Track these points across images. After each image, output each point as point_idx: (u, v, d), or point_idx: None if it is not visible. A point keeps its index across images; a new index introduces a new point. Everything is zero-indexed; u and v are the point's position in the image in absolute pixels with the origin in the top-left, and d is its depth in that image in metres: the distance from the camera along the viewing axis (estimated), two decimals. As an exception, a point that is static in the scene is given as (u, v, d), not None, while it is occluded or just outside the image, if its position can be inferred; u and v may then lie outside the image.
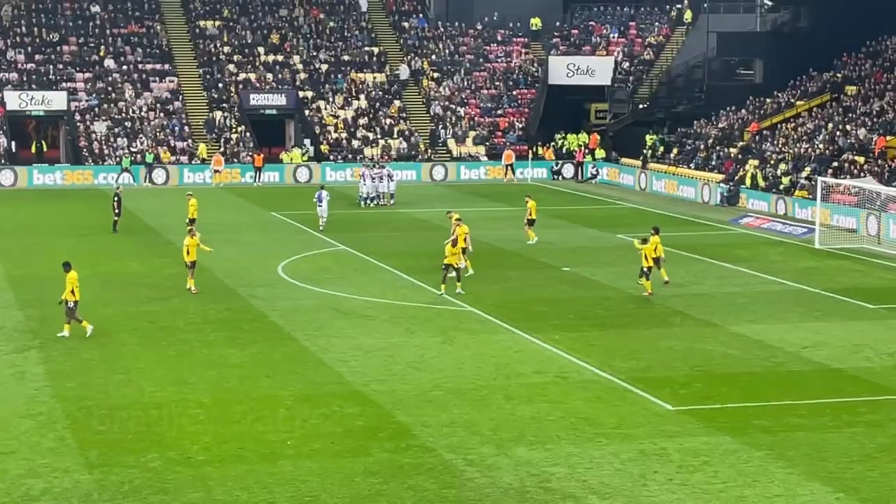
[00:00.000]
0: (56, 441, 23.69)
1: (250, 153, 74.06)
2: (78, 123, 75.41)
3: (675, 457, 23.24)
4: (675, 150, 73.83)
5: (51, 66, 78.50)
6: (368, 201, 62.57)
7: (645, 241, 39.34)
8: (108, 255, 46.01)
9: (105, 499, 20.67)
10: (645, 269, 39.03)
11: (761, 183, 62.13)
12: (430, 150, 77.73)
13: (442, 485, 21.63)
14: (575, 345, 32.15)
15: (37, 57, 79.14)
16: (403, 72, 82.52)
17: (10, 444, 23.34)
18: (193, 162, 73.61)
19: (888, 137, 60.77)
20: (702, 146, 72.19)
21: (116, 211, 51.66)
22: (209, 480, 21.50)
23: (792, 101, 71.35)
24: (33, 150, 74.82)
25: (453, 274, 38.73)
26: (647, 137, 75.96)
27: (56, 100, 75.18)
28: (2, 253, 46.28)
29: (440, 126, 79.93)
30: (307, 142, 76.85)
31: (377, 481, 21.69)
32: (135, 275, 41.96)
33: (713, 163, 69.70)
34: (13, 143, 73.36)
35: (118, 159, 72.17)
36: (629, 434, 24.66)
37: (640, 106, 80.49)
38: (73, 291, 32.08)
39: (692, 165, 70.93)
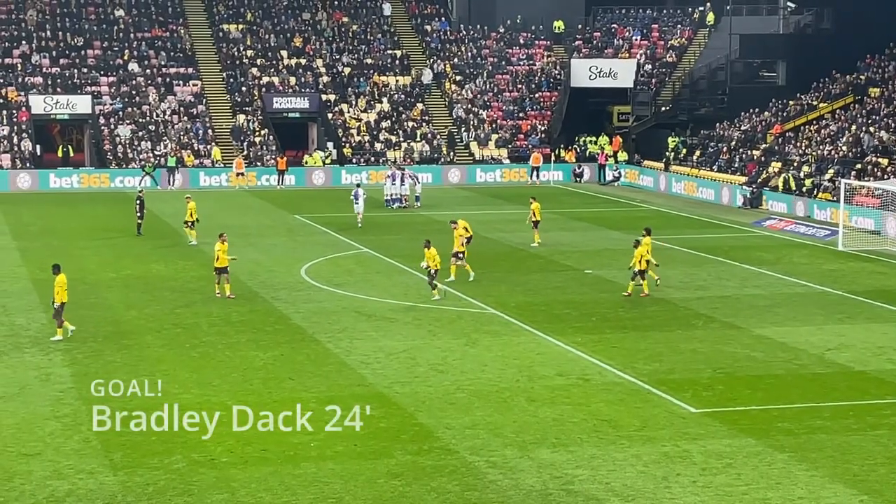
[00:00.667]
0: (81, 443, 23.81)
1: (273, 156, 74.26)
2: (102, 127, 75.73)
3: (699, 459, 23.22)
4: (697, 153, 73.72)
5: (75, 70, 78.86)
6: (393, 203, 62.63)
7: (637, 243, 39.15)
8: (132, 257, 46.19)
9: (129, 500, 20.79)
10: (636, 272, 38.77)
11: (793, 186, 61.63)
12: (451, 153, 77.78)
13: (464, 487, 21.67)
14: (597, 347, 32.14)
15: (61, 61, 79.51)
16: (427, 76, 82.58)
17: (36, 446, 23.49)
18: (205, 165, 73.76)
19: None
20: (724, 149, 72.06)
21: (139, 213, 51.86)
22: (233, 482, 21.59)
23: (815, 103, 71.14)
24: (59, 153, 75.11)
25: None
26: (670, 140, 75.87)
27: (80, 104, 75.55)
28: (26, 255, 46.53)
29: (462, 129, 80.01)
30: (330, 145, 77.02)
31: (400, 483, 21.74)
32: (158, 277, 42.11)
33: (736, 165, 69.57)
34: (38, 147, 73.73)
35: (142, 164, 72.38)
36: (652, 436, 24.65)
37: (663, 108, 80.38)
38: (59, 294, 32.09)
39: (715, 168, 70.82)
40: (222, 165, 73.62)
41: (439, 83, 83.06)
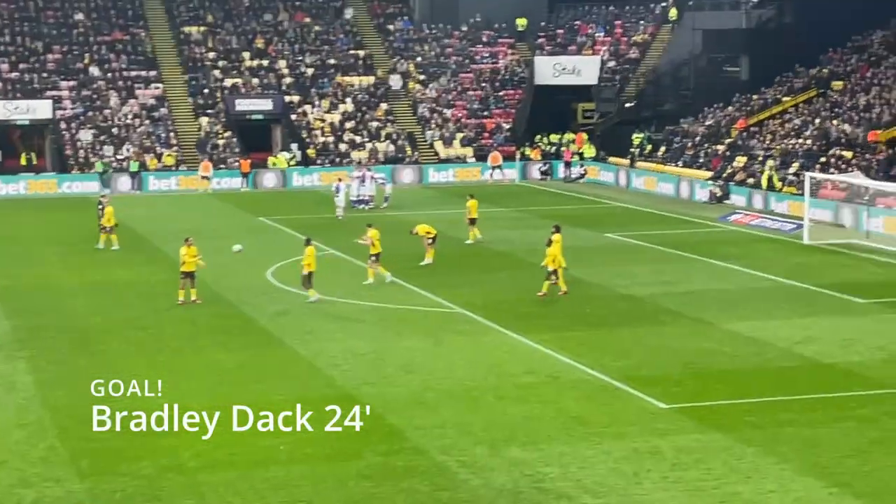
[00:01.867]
0: (47, 450, 23.60)
1: (237, 159, 73.96)
2: (63, 132, 75.21)
3: (669, 454, 23.22)
4: (662, 149, 73.88)
5: (35, 75, 78.29)
6: (360, 204, 62.41)
7: (550, 242, 39.01)
8: (96, 263, 45.84)
9: (97, 508, 20.62)
10: (551, 270, 38.44)
11: (777, 185, 61.27)
12: (415, 153, 77.67)
13: (435, 487, 21.58)
14: (566, 344, 32.11)
15: (21, 66, 78.91)
16: (395, 82, 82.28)
17: (1, 455, 23.26)
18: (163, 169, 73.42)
19: (878, 131, 60.76)
20: (689, 144, 72.24)
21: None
22: (202, 487, 21.45)
23: (778, 97, 71.41)
24: (23, 161, 74.38)
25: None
26: (635, 136, 75.99)
27: (41, 109, 74.90)
28: (-11, 263, 46.10)
29: (426, 128, 79.94)
30: (294, 146, 76.76)
31: (370, 485, 21.64)
32: (123, 283, 41.83)
33: (701, 160, 69.75)
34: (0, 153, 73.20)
35: (102, 167, 71.88)
36: (622, 433, 24.63)
37: (627, 105, 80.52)
38: None
39: (680, 163, 70.98)
40: (174, 169, 73.15)
41: (404, 83, 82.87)
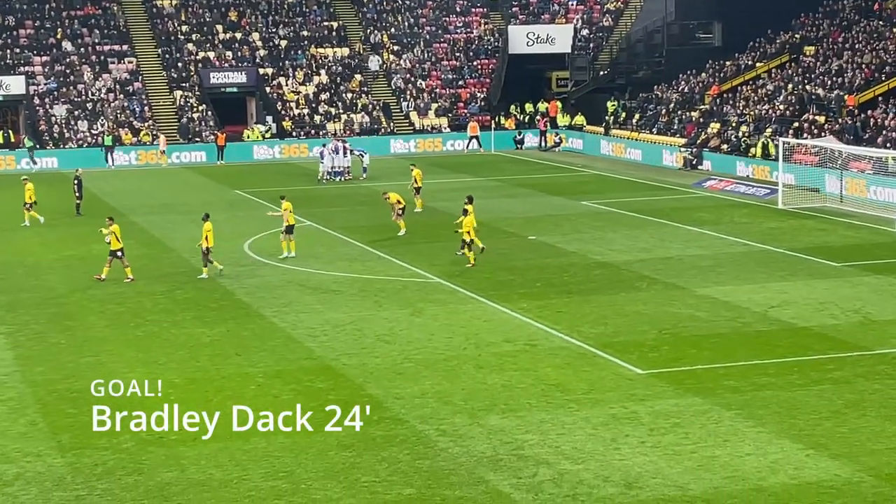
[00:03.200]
0: (27, 426, 23.64)
1: (213, 132, 73.77)
2: (37, 108, 74.85)
3: (646, 419, 23.41)
4: (636, 116, 73.97)
5: (7, 51, 77.81)
6: (330, 176, 62.39)
7: (465, 212, 39.08)
8: (73, 238, 45.72)
9: (79, 482, 20.68)
10: (467, 241, 38.53)
11: (772, 152, 60.50)
12: (391, 124, 77.61)
13: (416, 456, 21.72)
14: (543, 312, 32.27)
15: (-8, 41, 78.45)
16: (373, 63, 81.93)
17: (-19, 431, 23.26)
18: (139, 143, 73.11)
19: (854, 95, 60.90)
20: (663, 111, 72.36)
21: (78, 194, 51.41)
22: (182, 459, 21.52)
23: (751, 62, 71.54)
24: (0, 138, 73.89)
25: None
26: (609, 104, 76.04)
27: (14, 84, 74.50)
28: (-35, 240, 45.95)
29: (401, 99, 79.85)
30: (269, 119, 76.58)
31: (351, 454, 21.75)
32: (100, 258, 41.55)
33: (675, 127, 69.89)
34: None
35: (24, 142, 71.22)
36: (600, 399, 24.81)
37: (601, 73, 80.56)
38: None
39: (654, 130, 71.12)
40: (150, 144, 72.89)
41: (377, 53, 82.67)
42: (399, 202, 44.23)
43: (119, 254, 37.07)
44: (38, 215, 48.71)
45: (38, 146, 70.79)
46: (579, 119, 77.02)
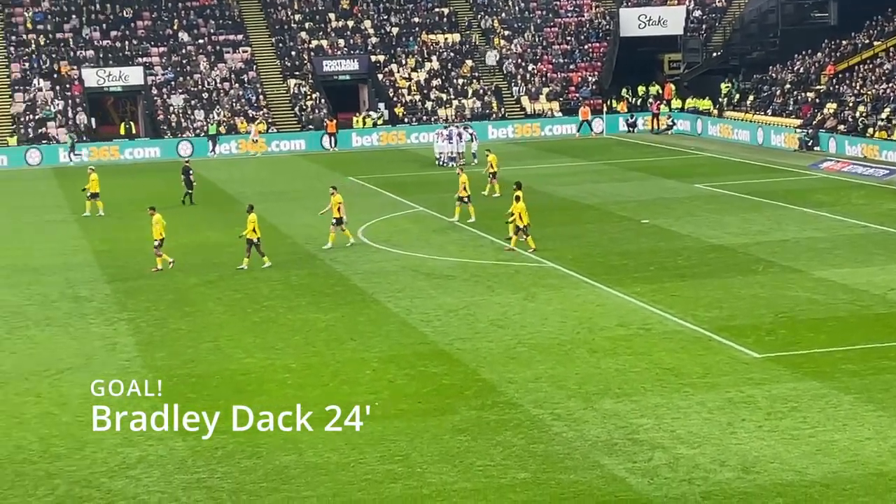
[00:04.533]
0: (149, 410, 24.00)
1: (324, 119, 74.40)
2: (155, 98, 76.17)
3: (763, 404, 23.19)
4: (751, 97, 73.05)
5: (126, 42, 79.26)
6: (449, 161, 62.49)
7: (518, 199, 38.71)
8: (187, 226, 46.33)
9: (199, 465, 21.05)
10: (521, 227, 38.26)
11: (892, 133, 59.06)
12: (502, 109, 77.61)
13: (530, 440, 21.77)
14: (657, 296, 32.09)
15: (112, 33, 79.92)
16: (490, 57, 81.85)
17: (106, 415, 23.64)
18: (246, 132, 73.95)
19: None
20: (778, 92, 71.36)
21: (187, 183, 51.99)
22: (300, 444, 21.77)
23: (868, 41, 70.21)
24: (122, 130, 75.21)
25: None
26: (723, 85, 75.20)
27: (133, 75, 75.94)
28: (86, 228, 46.91)
29: (512, 84, 79.80)
30: (381, 105, 77.04)
31: (465, 438, 21.86)
32: (215, 244, 42.36)
33: (790, 108, 68.90)
34: (93, 120, 74.29)
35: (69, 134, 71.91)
36: (715, 383, 24.63)
37: (714, 54, 79.65)
38: None
39: (769, 112, 70.18)
40: (266, 132, 73.70)
41: (488, 39, 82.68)
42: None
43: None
44: (100, 205, 49.56)
45: (77, 139, 71.54)
46: (703, 103, 76.08)
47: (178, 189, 52.36)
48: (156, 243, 37.57)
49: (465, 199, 44.33)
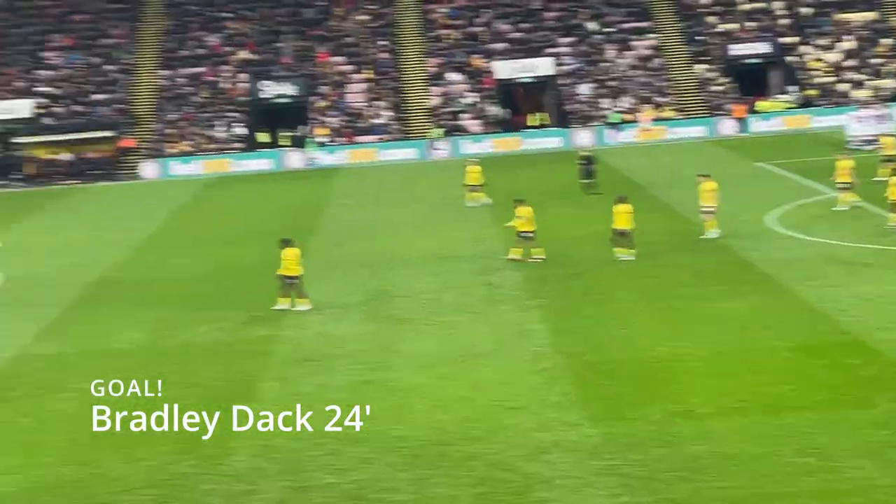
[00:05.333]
0: (561, 396, 24.41)
1: (730, 104, 73.56)
2: (562, 87, 77.33)
3: None
4: None
5: (534, 34, 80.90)
6: (862, 144, 60.13)
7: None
8: (596, 214, 46.26)
9: (612, 451, 21.15)
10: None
11: None
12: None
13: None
14: None
15: (521, 25, 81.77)
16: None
17: (521, 400, 24.23)
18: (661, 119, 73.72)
19: None
20: None
21: (586, 172, 52.17)
22: (712, 433, 21.54)
23: None
24: (537, 122, 76.66)
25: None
26: None
27: (542, 66, 77.55)
28: (496, 216, 47.88)
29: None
30: (792, 88, 75.19)
31: (887, 433, 20.97)
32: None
33: None
34: (508, 111, 76.51)
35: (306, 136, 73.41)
36: None
37: None
38: (291, 267, 32.47)
39: None
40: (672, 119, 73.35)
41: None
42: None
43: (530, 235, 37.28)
44: (485, 196, 50.63)
45: (321, 143, 73.24)
46: None
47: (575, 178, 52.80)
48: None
49: (848, 186, 42.57)
